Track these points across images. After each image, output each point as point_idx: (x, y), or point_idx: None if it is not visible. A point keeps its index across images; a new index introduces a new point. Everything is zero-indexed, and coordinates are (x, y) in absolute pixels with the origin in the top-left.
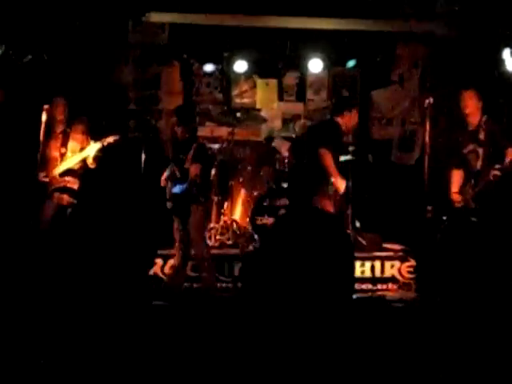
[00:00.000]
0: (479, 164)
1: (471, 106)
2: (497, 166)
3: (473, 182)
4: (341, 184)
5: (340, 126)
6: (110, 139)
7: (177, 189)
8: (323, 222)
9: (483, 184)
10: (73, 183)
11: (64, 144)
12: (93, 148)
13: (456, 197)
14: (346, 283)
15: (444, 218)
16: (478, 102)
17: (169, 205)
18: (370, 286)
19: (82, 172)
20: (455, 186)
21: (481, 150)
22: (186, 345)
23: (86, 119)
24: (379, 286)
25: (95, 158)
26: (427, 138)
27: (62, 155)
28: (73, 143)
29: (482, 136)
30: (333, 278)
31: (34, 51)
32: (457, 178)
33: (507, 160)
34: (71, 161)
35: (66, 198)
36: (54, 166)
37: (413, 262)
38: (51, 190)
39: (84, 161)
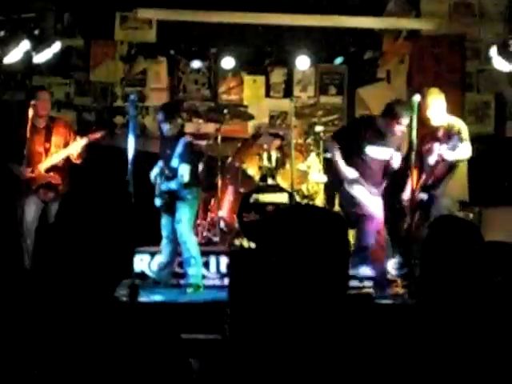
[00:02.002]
0: (433, 159)
1: (435, 106)
2: (444, 146)
3: (424, 176)
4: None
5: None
6: (97, 135)
7: (165, 186)
8: (321, 219)
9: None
10: (58, 179)
11: (48, 139)
12: (78, 144)
13: (403, 198)
14: (340, 280)
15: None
16: (442, 101)
17: (157, 201)
18: (356, 284)
19: (67, 168)
20: (407, 191)
21: (437, 145)
22: (171, 343)
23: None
24: (366, 283)
25: (80, 154)
26: (414, 135)
27: (47, 150)
28: (56, 138)
29: (440, 133)
30: (327, 277)
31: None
32: (412, 180)
33: (452, 144)
34: (57, 157)
35: (50, 194)
36: (39, 161)
37: (399, 259)
38: (36, 186)
39: (68, 156)
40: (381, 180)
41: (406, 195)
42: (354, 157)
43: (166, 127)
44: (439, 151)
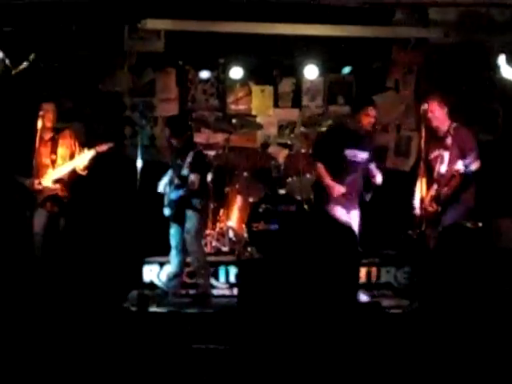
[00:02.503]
0: (444, 168)
1: (437, 115)
2: (460, 162)
3: (436, 186)
4: (333, 188)
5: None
6: (104, 147)
7: (174, 195)
8: (332, 231)
9: (448, 185)
10: (64, 191)
11: (54, 151)
12: (86, 156)
13: (418, 209)
14: (350, 292)
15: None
16: (443, 109)
17: (166, 211)
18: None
19: (73, 179)
20: (417, 198)
21: (446, 154)
22: (182, 352)
23: (72, 125)
24: (375, 292)
25: (87, 166)
26: (423, 145)
27: (53, 162)
28: (62, 149)
29: (448, 141)
30: (337, 287)
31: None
32: (421, 187)
33: (468, 161)
34: (63, 169)
35: (57, 206)
36: (45, 173)
37: (408, 269)
38: (43, 198)
39: (75, 168)
40: (360, 188)
41: (417, 202)
42: (336, 165)
43: (174, 142)
44: (457, 167)
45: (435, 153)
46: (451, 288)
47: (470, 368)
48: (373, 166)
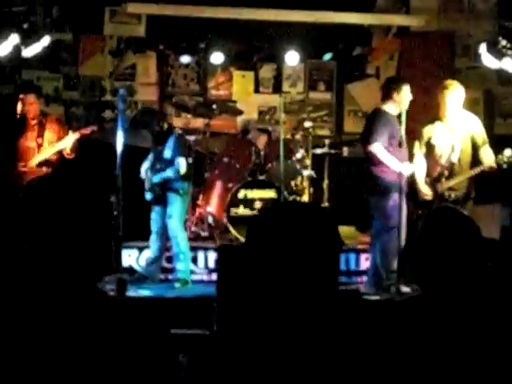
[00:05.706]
0: (455, 157)
1: (455, 99)
2: (478, 169)
3: (446, 173)
4: None
5: None
6: (87, 130)
7: (157, 178)
8: (312, 216)
9: (461, 180)
10: (49, 174)
11: (40, 134)
12: (70, 138)
13: (425, 189)
14: (331, 277)
15: (419, 211)
16: (463, 94)
17: (148, 195)
18: (344, 279)
19: (58, 162)
20: (421, 177)
21: (458, 144)
22: (160, 338)
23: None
24: (354, 279)
25: (73, 149)
26: (403, 132)
27: (39, 146)
28: (49, 133)
29: (459, 130)
30: (317, 273)
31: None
32: (422, 167)
33: (486, 163)
34: (48, 151)
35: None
36: (31, 156)
37: None
38: (28, 181)
39: (61, 151)
40: None
41: (424, 187)
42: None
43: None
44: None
45: (442, 137)
46: (434, 273)
47: (454, 357)
48: None
